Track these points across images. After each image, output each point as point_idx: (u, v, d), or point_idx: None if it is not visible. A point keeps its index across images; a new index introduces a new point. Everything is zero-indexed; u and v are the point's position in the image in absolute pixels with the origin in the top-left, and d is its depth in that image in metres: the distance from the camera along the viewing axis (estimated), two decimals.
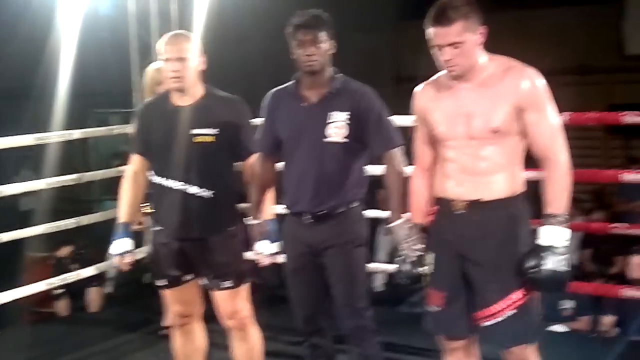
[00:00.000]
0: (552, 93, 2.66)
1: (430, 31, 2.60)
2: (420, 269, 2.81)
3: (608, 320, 5.38)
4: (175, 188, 3.21)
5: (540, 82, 2.61)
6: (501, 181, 2.66)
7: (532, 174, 2.82)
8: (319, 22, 2.98)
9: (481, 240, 2.68)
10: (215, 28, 5.45)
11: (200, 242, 3.25)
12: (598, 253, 6.98)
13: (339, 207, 3.05)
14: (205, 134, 3.18)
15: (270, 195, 3.28)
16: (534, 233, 2.66)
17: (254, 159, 3.25)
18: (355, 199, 3.10)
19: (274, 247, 3.21)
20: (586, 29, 9.97)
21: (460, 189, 2.68)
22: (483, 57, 2.65)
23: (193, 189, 3.20)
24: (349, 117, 3.00)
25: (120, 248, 3.29)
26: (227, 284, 3.28)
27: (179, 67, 3.13)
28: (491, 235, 2.67)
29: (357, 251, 3.11)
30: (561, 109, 2.77)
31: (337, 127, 3.00)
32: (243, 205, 3.33)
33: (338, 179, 3.03)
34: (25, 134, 4.61)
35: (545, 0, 10.80)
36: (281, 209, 3.24)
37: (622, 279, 5.68)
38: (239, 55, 8.60)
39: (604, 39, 10.03)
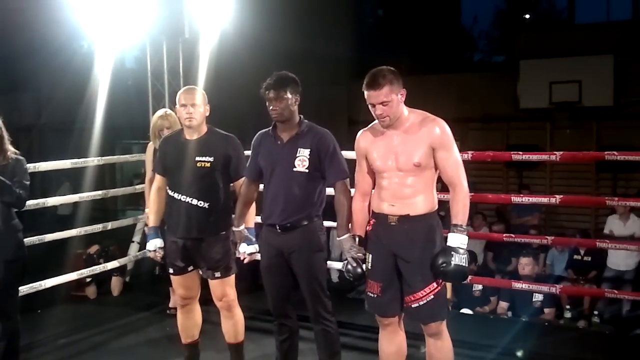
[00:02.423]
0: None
1: (365, 93, 2.67)
2: (359, 270, 2.83)
3: (503, 305, 5.43)
4: (182, 199, 3.23)
5: (447, 129, 2.69)
6: (421, 202, 2.72)
7: (441, 196, 2.88)
8: (283, 83, 2.99)
9: (409, 244, 2.73)
10: (213, 81, 5.47)
11: (198, 241, 3.25)
12: (498, 255, 7.06)
13: (302, 220, 3.04)
14: (204, 160, 3.21)
15: (251, 209, 3.27)
16: (445, 239, 2.72)
17: (241, 181, 3.26)
18: (315, 214, 3.08)
19: (252, 248, 3.21)
20: (489, 88, 10.10)
21: (393, 208, 2.74)
22: (405, 111, 2.72)
23: (194, 201, 3.21)
24: (309, 153, 3.00)
25: (154, 245, 3.36)
26: (218, 274, 3.28)
27: (192, 110, 3.20)
28: (416, 240, 2.73)
29: (317, 255, 3.09)
30: (469, 148, 2.83)
31: (301, 160, 2.99)
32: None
33: (301, 199, 3.02)
34: (69, 159, 4.58)
35: (459, 66, 11.00)
36: (259, 220, 3.23)
37: (515, 275, 5.74)
38: (230, 102, 8.58)
39: (502, 95, 10.15)
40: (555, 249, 6.78)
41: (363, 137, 2.85)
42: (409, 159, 2.68)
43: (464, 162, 2.82)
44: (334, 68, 10.57)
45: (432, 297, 2.72)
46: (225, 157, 3.24)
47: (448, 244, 2.66)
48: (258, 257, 3.25)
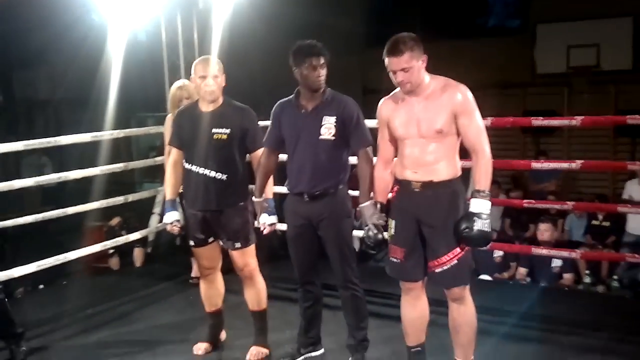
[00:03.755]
0: (479, 103, 2.71)
1: (386, 60, 2.66)
2: (380, 237, 2.85)
3: (522, 271, 5.45)
4: (199, 172, 3.23)
5: (470, 95, 2.68)
6: (444, 168, 2.72)
7: (465, 163, 2.87)
8: (324, 50, 2.98)
9: (433, 209, 2.74)
10: (227, 52, 5.45)
11: (218, 212, 3.27)
12: (515, 221, 7.07)
13: (331, 188, 3.06)
14: (221, 132, 3.20)
15: (271, 180, 3.28)
16: (468, 205, 2.72)
17: (260, 152, 3.25)
18: (342, 182, 3.10)
19: (272, 219, 3.22)
20: (505, 53, 9.96)
21: (416, 174, 2.74)
22: (426, 78, 2.71)
23: (212, 173, 3.22)
24: (335, 120, 3.00)
25: (171, 218, 3.35)
26: (238, 244, 3.31)
27: (211, 82, 3.18)
28: (440, 206, 2.73)
29: (346, 221, 3.13)
30: (485, 115, 2.81)
31: (327, 128, 3.00)
32: (252, 186, 3.34)
33: (329, 167, 3.03)
34: (84, 132, 4.62)
35: (473, 32, 10.85)
36: (284, 189, 3.24)
37: (534, 241, 5.75)
38: (245, 73, 8.57)
39: (518, 61, 10.02)
40: (574, 214, 6.78)
41: (385, 105, 2.84)
42: (431, 125, 2.67)
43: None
44: (346, 36, 10.46)
45: (455, 261, 2.73)
46: (242, 129, 3.23)
47: (470, 209, 2.66)
48: (279, 227, 3.28)
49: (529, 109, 9.52)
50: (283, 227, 3.33)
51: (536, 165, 4.29)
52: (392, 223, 2.86)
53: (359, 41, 11.09)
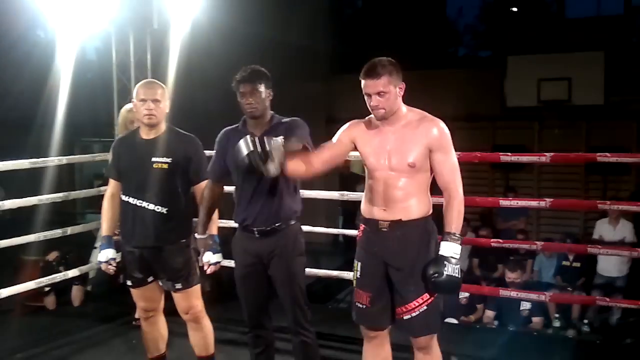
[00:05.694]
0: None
1: (362, 82, 2.64)
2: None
3: (490, 314, 5.47)
4: (136, 204, 3.16)
5: (447, 131, 2.67)
6: (414, 206, 2.69)
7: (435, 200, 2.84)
8: (257, 76, 2.95)
9: (401, 251, 2.70)
10: (182, 76, 5.43)
11: (157, 250, 3.19)
12: (483, 261, 7.12)
13: (282, 223, 3.01)
14: (162, 161, 3.14)
15: (215, 215, 3.21)
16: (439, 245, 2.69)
17: (204, 184, 3.19)
18: (293, 216, 3.06)
19: (217, 257, 3.14)
20: (474, 85, 10.15)
21: (384, 212, 2.70)
22: (403, 108, 2.70)
23: (150, 206, 3.15)
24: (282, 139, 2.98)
25: (106, 256, 3.26)
26: (178, 285, 3.23)
27: (152, 107, 3.12)
28: (409, 247, 2.69)
29: (297, 260, 3.06)
30: (454, 148, 2.82)
31: None
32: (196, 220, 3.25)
33: (279, 198, 2.98)
34: (28, 158, 4.50)
35: (443, 62, 11.05)
36: (232, 224, 3.18)
37: (502, 282, 5.79)
38: (201, 98, 8.55)
39: (488, 93, 10.21)
40: (543, 254, 6.86)
41: (356, 125, 2.80)
42: (403, 158, 2.65)
43: None
44: (311, 62, 10.59)
45: (425, 308, 2.68)
46: (185, 159, 3.18)
47: (440, 252, 2.62)
48: (222, 264, 3.19)
49: (499, 143, 9.71)
50: (230, 263, 3.26)
51: (504, 202, 4.34)
52: (357, 265, 2.82)
53: (325, 68, 11.21)
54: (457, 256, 2.62)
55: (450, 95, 9.82)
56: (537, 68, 9.80)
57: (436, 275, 2.58)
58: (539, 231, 9.76)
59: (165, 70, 5.44)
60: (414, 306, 2.69)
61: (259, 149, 2.58)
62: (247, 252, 3.07)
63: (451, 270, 2.58)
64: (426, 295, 2.68)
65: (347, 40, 12.54)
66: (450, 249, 2.60)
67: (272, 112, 3.06)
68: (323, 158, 2.83)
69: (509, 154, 3.94)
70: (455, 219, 2.64)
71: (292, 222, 3.06)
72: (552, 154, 3.93)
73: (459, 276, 2.62)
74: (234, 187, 3.11)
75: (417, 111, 2.73)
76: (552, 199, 4.04)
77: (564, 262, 6.70)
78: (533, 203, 4.59)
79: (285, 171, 2.68)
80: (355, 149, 2.81)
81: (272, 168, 2.60)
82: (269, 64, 3.08)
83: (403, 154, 2.65)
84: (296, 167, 2.75)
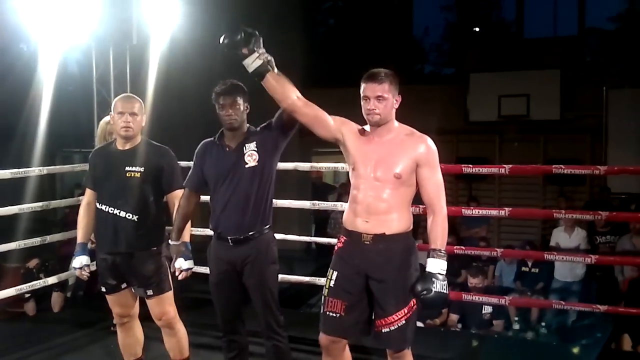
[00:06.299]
0: None
1: (363, 86, 2.63)
2: None
3: (454, 317, 5.50)
4: (109, 212, 3.15)
5: (435, 148, 2.65)
6: (396, 220, 2.63)
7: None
8: (236, 89, 2.97)
9: (384, 265, 2.62)
10: (161, 90, 5.39)
11: (128, 256, 3.16)
12: (447, 267, 7.14)
13: (255, 232, 2.99)
14: (134, 170, 3.13)
15: (189, 223, 3.18)
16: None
17: (176, 194, 3.18)
18: (266, 224, 3.04)
19: (188, 263, 3.11)
20: (440, 100, 10.24)
21: (367, 224, 2.63)
22: (395, 122, 2.69)
23: (122, 213, 3.13)
24: (256, 145, 2.97)
25: (80, 263, 3.23)
26: (150, 292, 3.20)
27: (129, 119, 3.12)
28: (391, 261, 2.62)
29: (269, 269, 3.04)
30: None
31: (250, 155, 2.96)
32: (170, 228, 3.23)
33: (253, 205, 2.96)
34: (10, 168, 4.42)
35: (408, 78, 11.12)
36: (208, 232, 3.17)
37: (465, 287, 5.83)
38: (180, 111, 8.50)
39: (452, 108, 10.30)
40: (504, 261, 6.93)
41: (351, 124, 2.75)
42: (389, 169, 2.60)
43: None
44: (286, 76, 10.58)
45: (403, 322, 2.62)
46: (158, 169, 3.17)
47: (428, 269, 2.55)
48: (200, 270, 3.18)
49: (462, 156, 9.80)
50: (205, 270, 3.23)
51: (467, 212, 4.39)
52: (332, 274, 2.72)
53: (297, 82, 11.19)
54: (444, 272, 2.55)
55: (417, 109, 9.81)
56: (498, 85, 9.97)
57: (425, 292, 2.51)
58: (499, 238, 9.86)
59: (144, 84, 5.43)
60: (392, 320, 2.61)
61: (243, 35, 2.62)
62: (221, 259, 3.05)
63: (439, 286, 2.52)
64: (405, 310, 2.62)
65: (320, 56, 12.58)
66: (438, 266, 2.54)
67: (248, 124, 3.06)
68: (310, 105, 2.75)
69: (471, 165, 3.99)
70: (440, 236, 2.59)
71: (266, 231, 3.04)
72: (511, 165, 4.00)
73: (447, 292, 2.56)
74: (209, 196, 3.10)
75: (407, 127, 2.71)
76: (511, 209, 4.10)
77: (523, 268, 6.77)
78: (494, 212, 4.65)
79: (271, 76, 2.68)
80: (338, 143, 2.76)
81: (254, 60, 2.63)
82: (245, 78, 3.08)
83: (389, 165, 2.61)
84: (280, 81, 2.71)
